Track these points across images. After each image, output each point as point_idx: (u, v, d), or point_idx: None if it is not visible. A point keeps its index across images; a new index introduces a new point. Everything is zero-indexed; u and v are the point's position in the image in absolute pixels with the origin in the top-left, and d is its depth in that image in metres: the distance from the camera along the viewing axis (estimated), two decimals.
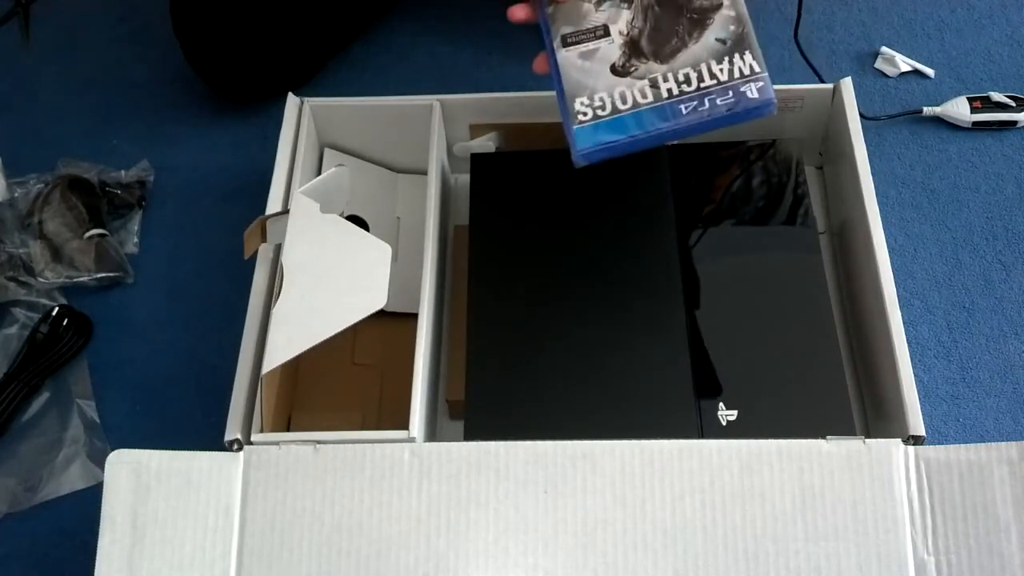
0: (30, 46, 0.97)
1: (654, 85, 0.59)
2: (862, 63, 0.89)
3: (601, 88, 0.60)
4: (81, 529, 0.68)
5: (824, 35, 0.91)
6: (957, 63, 0.88)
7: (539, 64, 0.63)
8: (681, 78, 0.59)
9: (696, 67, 0.59)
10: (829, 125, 0.76)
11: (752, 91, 0.58)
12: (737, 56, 0.59)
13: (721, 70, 0.59)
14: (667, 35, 0.60)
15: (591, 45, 0.61)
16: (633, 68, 0.60)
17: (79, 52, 0.96)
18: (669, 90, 0.59)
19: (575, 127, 0.59)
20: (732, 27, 0.60)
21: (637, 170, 0.70)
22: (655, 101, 0.59)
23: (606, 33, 0.61)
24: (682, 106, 0.59)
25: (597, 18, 0.62)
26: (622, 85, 0.60)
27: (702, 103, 0.58)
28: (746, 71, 0.59)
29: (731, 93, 0.58)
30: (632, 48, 0.60)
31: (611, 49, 0.61)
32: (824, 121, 0.76)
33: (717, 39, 0.60)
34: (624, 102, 0.59)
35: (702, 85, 0.59)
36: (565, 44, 0.61)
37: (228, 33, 0.83)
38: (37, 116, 0.92)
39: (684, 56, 0.60)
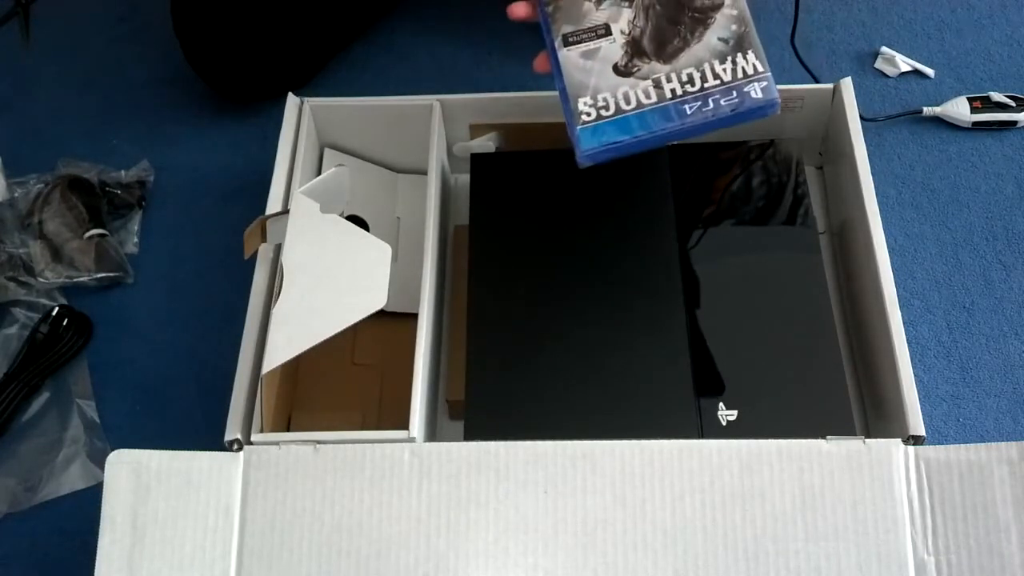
0: (30, 46, 0.97)
1: (657, 85, 0.59)
2: (862, 63, 0.89)
3: (604, 88, 0.60)
4: (81, 529, 0.68)
5: (824, 35, 0.91)
6: (957, 63, 0.88)
7: (540, 63, 0.63)
8: (684, 78, 0.59)
9: (699, 67, 0.59)
10: (829, 125, 0.76)
11: (756, 91, 0.58)
12: (740, 56, 0.59)
13: (724, 70, 0.59)
14: (669, 35, 0.60)
15: (592, 44, 0.61)
16: (636, 68, 0.60)
17: (79, 52, 0.96)
18: (673, 90, 0.59)
19: (579, 127, 0.59)
20: (734, 26, 0.60)
21: (637, 170, 0.70)
22: (659, 101, 0.59)
23: (607, 32, 0.61)
24: (686, 106, 0.59)
25: (598, 17, 0.62)
26: (625, 85, 0.60)
27: (706, 103, 0.58)
28: (749, 71, 0.59)
29: (735, 93, 0.58)
30: (634, 47, 0.60)
31: (613, 48, 0.61)
32: (824, 121, 0.76)
33: (719, 39, 0.60)
34: (628, 102, 0.59)
35: (706, 85, 0.59)
36: (566, 43, 0.61)
37: (228, 33, 0.83)
38: (37, 116, 0.92)
39: (686, 56, 0.60)
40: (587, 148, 0.59)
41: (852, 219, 0.70)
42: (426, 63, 0.92)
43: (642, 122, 0.59)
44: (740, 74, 0.59)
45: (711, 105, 0.58)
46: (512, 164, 0.72)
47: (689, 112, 0.58)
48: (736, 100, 0.58)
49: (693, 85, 0.59)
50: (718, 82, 0.59)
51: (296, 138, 0.73)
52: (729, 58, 0.59)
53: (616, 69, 0.60)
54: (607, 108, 0.59)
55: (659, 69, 0.60)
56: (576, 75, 0.60)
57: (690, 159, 0.71)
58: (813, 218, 0.68)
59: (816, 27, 0.91)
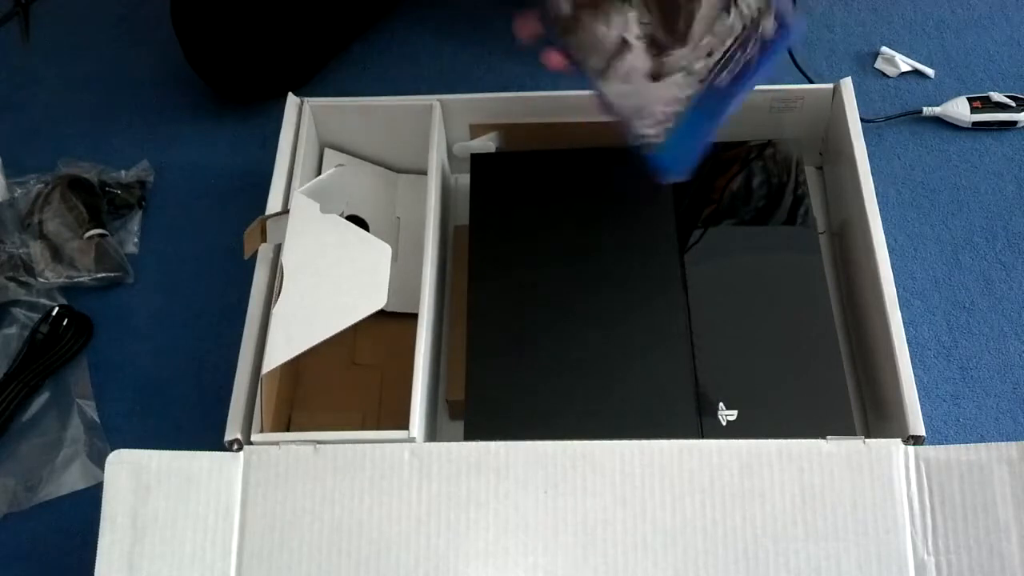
0: (30, 46, 0.97)
1: (689, 72, 0.59)
2: (862, 63, 0.89)
3: (652, 100, 0.60)
4: (81, 529, 0.68)
5: (824, 35, 0.91)
6: (957, 63, 0.88)
7: (552, 60, 0.62)
8: (706, 52, 0.59)
9: (712, 31, 0.59)
10: (829, 125, 0.76)
11: (768, 28, 0.58)
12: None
13: (732, 24, 0.58)
14: (675, 14, 0.60)
15: (622, 66, 0.61)
16: (663, 65, 0.60)
17: (79, 52, 0.96)
18: (705, 68, 0.59)
19: (653, 153, 0.60)
20: None
21: (637, 170, 0.70)
22: (700, 88, 0.59)
23: (626, 46, 0.61)
24: (723, 75, 0.59)
25: (612, 35, 0.61)
26: (664, 88, 0.60)
27: (736, 64, 0.59)
28: (753, 5, 0.58)
29: (752, 39, 0.58)
30: (654, 45, 0.60)
31: (638, 56, 0.60)
32: (824, 121, 0.76)
33: None
34: (677, 103, 0.60)
35: (724, 49, 0.59)
36: (603, 77, 0.61)
37: (228, 33, 0.83)
38: (37, 116, 0.92)
39: (698, 27, 0.59)
40: (671, 166, 0.60)
41: (852, 219, 0.70)
42: (426, 63, 0.92)
43: (700, 115, 0.59)
44: (747, 18, 0.58)
45: (740, 66, 0.58)
46: (512, 164, 0.72)
47: (728, 79, 0.59)
48: (756, 47, 0.58)
49: (715, 55, 0.59)
50: (733, 39, 0.58)
51: (296, 138, 0.73)
52: (732, 6, 0.58)
53: (651, 77, 0.60)
54: (666, 120, 0.60)
55: (681, 54, 0.59)
56: (627, 102, 0.61)
57: None
58: (813, 218, 0.68)
59: (816, 27, 0.91)
